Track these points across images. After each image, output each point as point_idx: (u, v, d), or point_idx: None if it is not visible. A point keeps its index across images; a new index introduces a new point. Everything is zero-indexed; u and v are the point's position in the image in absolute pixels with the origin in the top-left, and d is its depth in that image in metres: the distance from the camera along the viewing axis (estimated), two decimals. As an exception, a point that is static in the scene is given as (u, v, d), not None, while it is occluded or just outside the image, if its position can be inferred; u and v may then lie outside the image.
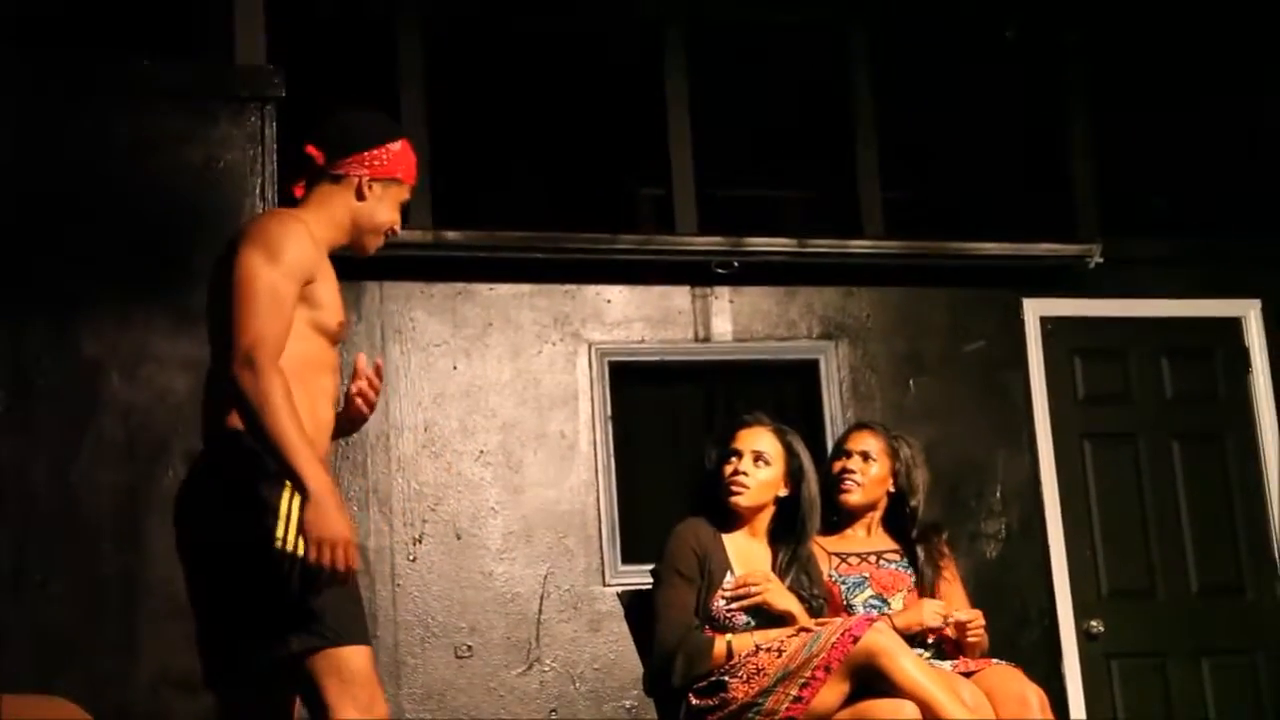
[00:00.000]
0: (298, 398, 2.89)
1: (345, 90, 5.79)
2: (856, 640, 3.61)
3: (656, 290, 5.89)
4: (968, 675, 3.87)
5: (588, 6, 6.15)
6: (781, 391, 6.13)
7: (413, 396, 5.56)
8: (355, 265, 5.61)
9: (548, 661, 5.47)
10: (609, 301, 5.84)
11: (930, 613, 4.02)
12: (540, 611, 5.49)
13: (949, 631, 4.03)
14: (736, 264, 5.89)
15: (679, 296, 5.92)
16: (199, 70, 5.05)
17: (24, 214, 4.70)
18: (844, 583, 4.13)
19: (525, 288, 5.75)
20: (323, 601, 2.88)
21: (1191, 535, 6.18)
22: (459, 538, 5.48)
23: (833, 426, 5.90)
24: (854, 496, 4.25)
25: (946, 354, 6.09)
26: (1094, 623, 5.96)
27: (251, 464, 2.90)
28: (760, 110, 6.36)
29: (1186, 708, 6.02)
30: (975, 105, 6.44)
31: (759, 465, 4.00)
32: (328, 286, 3.09)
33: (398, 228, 3.28)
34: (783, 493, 4.02)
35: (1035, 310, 6.20)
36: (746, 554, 4.01)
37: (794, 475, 4.02)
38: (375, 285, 5.63)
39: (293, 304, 2.96)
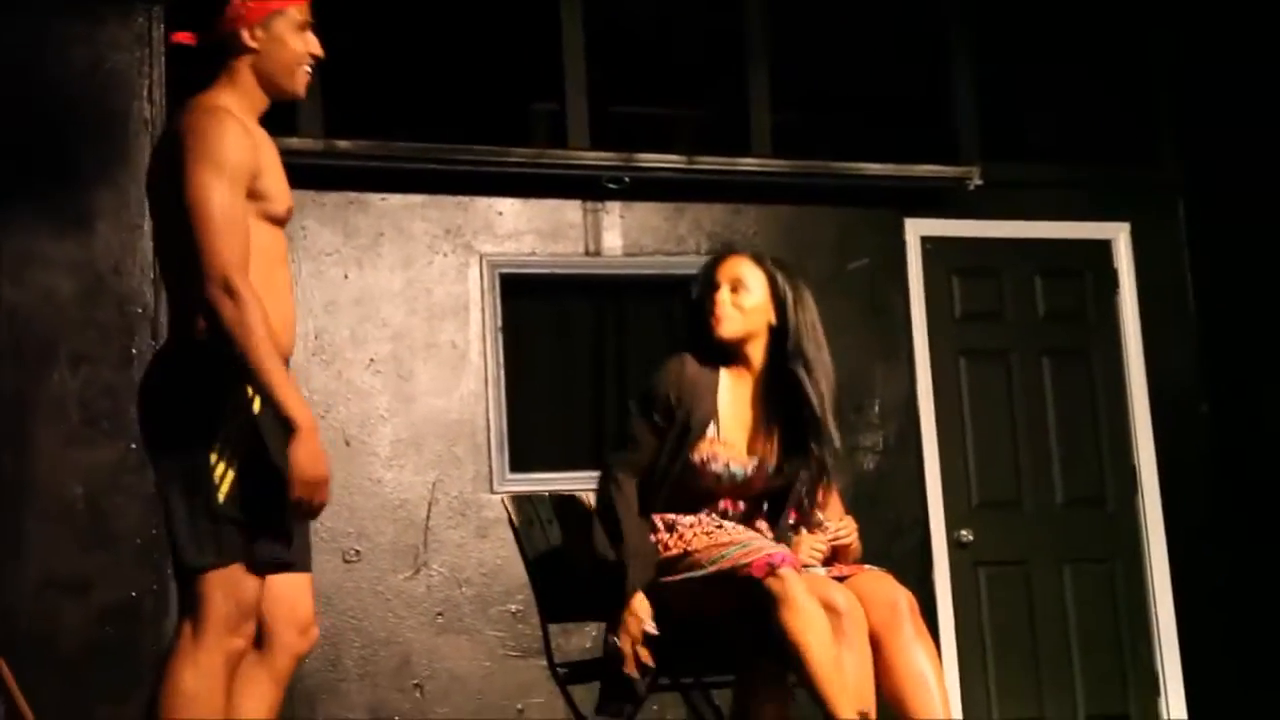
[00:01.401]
0: (262, 296, 2.81)
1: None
2: (771, 569, 3.47)
3: (548, 204, 5.82)
4: (841, 580, 3.89)
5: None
6: (670, 306, 6.10)
7: (304, 304, 5.44)
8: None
9: (435, 566, 5.43)
10: (500, 214, 5.76)
11: (807, 551, 3.93)
12: (428, 518, 5.45)
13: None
14: (627, 179, 5.84)
15: (570, 210, 5.86)
16: (86, -30, 4.87)
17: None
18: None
19: (417, 198, 5.66)
20: (248, 515, 2.82)
21: (1058, 449, 6.28)
22: (348, 444, 5.41)
23: (718, 340, 5.88)
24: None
25: (831, 271, 6.09)
26: (964, 532, 6.05)
27: (214, 369, 2.82)
28: (654, 29, 6.28)
29: (1048, 613, 6.15)
30: (861, 27, 6.41)
31: (739, 293, 3.69)
32: (272, 173, 2.96)
33: (317, 50, 3.06)
34: (772, 321, 3.70)
35: (916, 230, 6.23)
36: (738, 397, 3.72)
37: (779, 300, 3.69)
38: (266, 193, 5.48)
39: (245, 211, 2.84)
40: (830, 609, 3.65)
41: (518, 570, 4.79)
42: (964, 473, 6.13)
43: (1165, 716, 6.13)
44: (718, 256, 3.83)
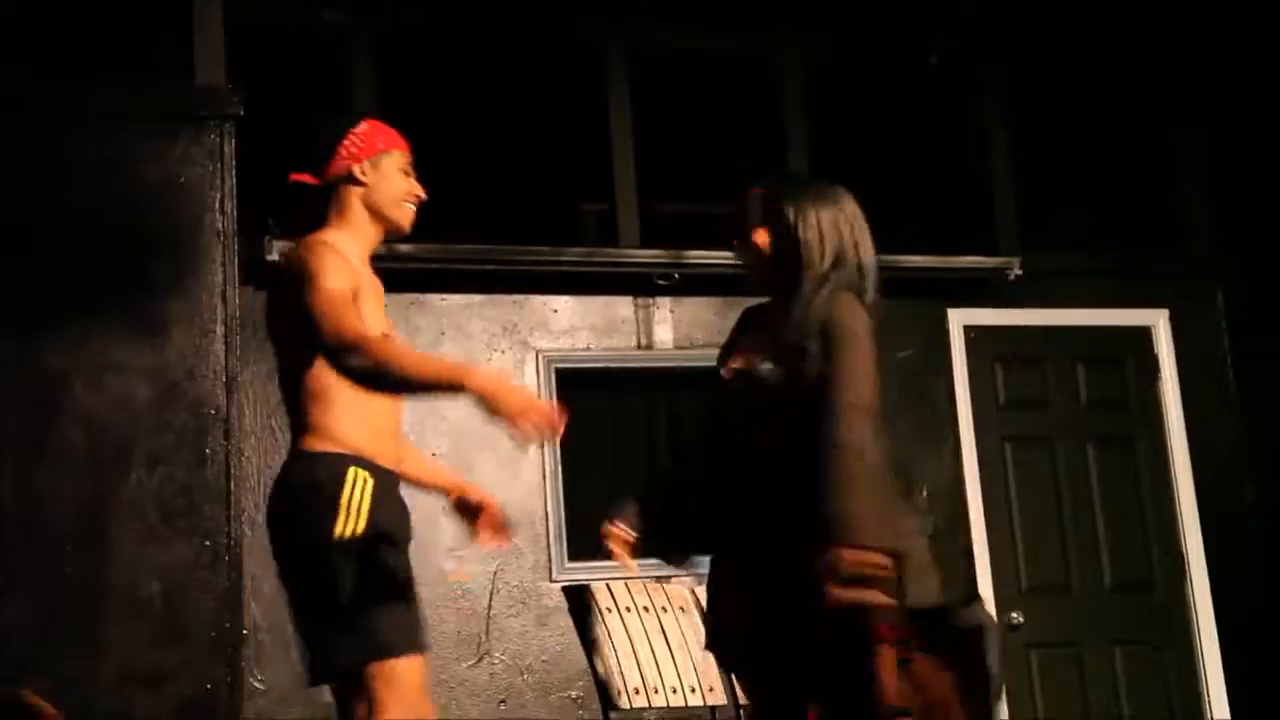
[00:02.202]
0: (353, 413, 3.06)
1: (302, 107, 5.79)
2: None
3: (601, 300, 5.91)
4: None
5: (535, 28, 6.16)
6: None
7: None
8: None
9: (497, 654, 5.47)
10: (556, 311, 5.85)
11: None
12: (490, 607, 5.49)
13: None
14: (677, 275, 5.91)
15: (623, 306, 5.94)
16: (160, 90, 5.02)
17: (-11, 229, 4.67)
18: None
19: (476, 298, 5.76)
20: (376, 611, 2.98)
21: (1105, 533, 6.25)
22: (412, 537, 5.45)
23: (769, 430, 5.94)
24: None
25: (876, 361, 6.11)
26: (1014, 614, 6.02)
27: (311, 475, 3.04)
28: (698, 127, 6.38)
29: (1100, 695, 6.09)
30: (902, 126, 6.49)
31: (750, 235, 3.36)
32: (368, 299, 3.14)
33: (418, 191, 3.30)
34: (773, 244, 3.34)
35: (959, 320, 6.27)
36: (759, 325, 3.42)
37: (774, 224, 3.32)
38: (331, 296, 5.62)
39: (352, 296, 3.01)
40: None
41: (578, 656, 4.84)
42: (1012, 557, 6.12)
43: (1218, 800, 6.05)
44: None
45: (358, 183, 3.21)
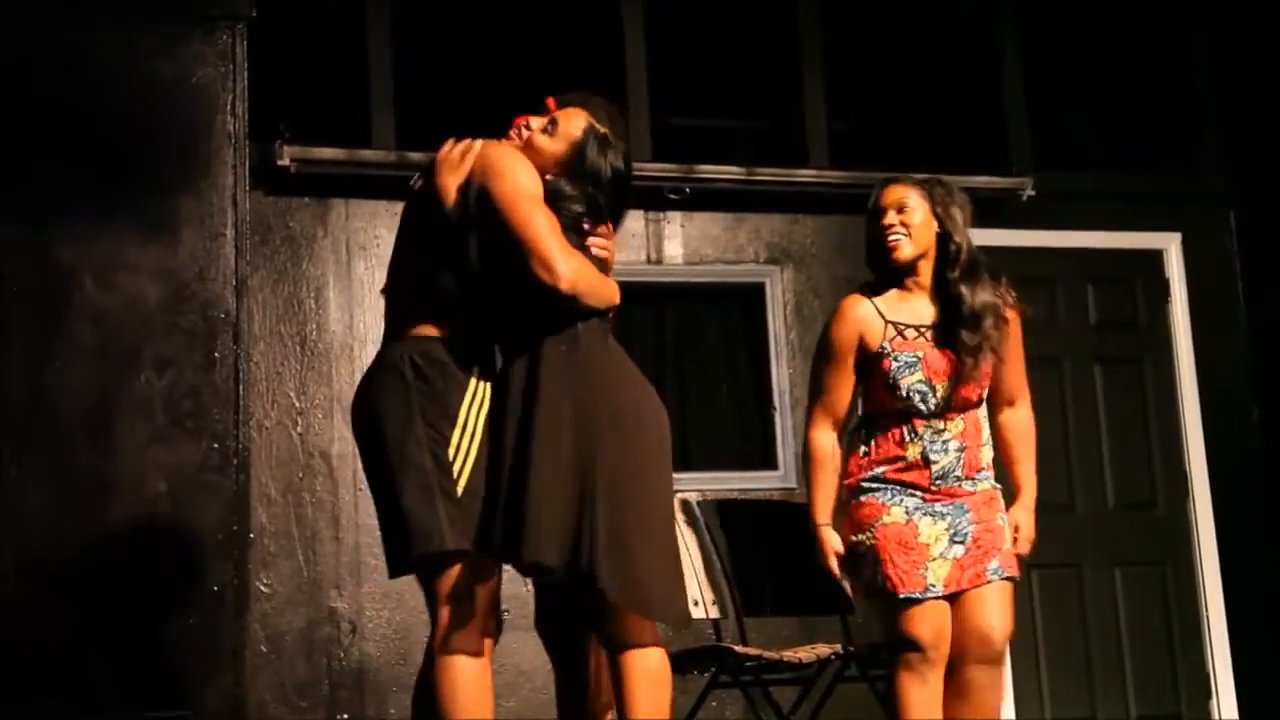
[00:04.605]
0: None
1: (313, 11, 5.70)
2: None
3: (611, 214, 5.83)
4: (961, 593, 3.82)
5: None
6: (729, 312, 6.11)
7: (376, 309, 5.49)
8: (322, 183, 5.58)
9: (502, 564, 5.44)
10: (565, 224, 5.77)
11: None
12: (495, 516, 5.46)
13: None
14: (688, 190, 5.85)
15: (633, 220, 5.86)
16: (174, -10, 4.94)
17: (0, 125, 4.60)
18: (896, 360, 3.78)
19: (486, 210, 5.67)
20: (478, 512, 3.00)
21: (1109, 453, 6.23)
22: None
23: (776, 347, 5.91)
24: (904, 251, 3.80)
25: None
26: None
27: (440, 371, 3.04)
28: (713, 42, 6.29)
29: (1100, 614, 6.09)
30: (917, 43, 6.40)
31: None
32: None
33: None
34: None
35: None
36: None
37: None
38: (341, 203, 5.56)
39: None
40: (915, 642, 3.65)
41: (581, 568, 4.80)
42: (1016, 476, 6.09)
43: (1216, 718, 6.05)
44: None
45: None
